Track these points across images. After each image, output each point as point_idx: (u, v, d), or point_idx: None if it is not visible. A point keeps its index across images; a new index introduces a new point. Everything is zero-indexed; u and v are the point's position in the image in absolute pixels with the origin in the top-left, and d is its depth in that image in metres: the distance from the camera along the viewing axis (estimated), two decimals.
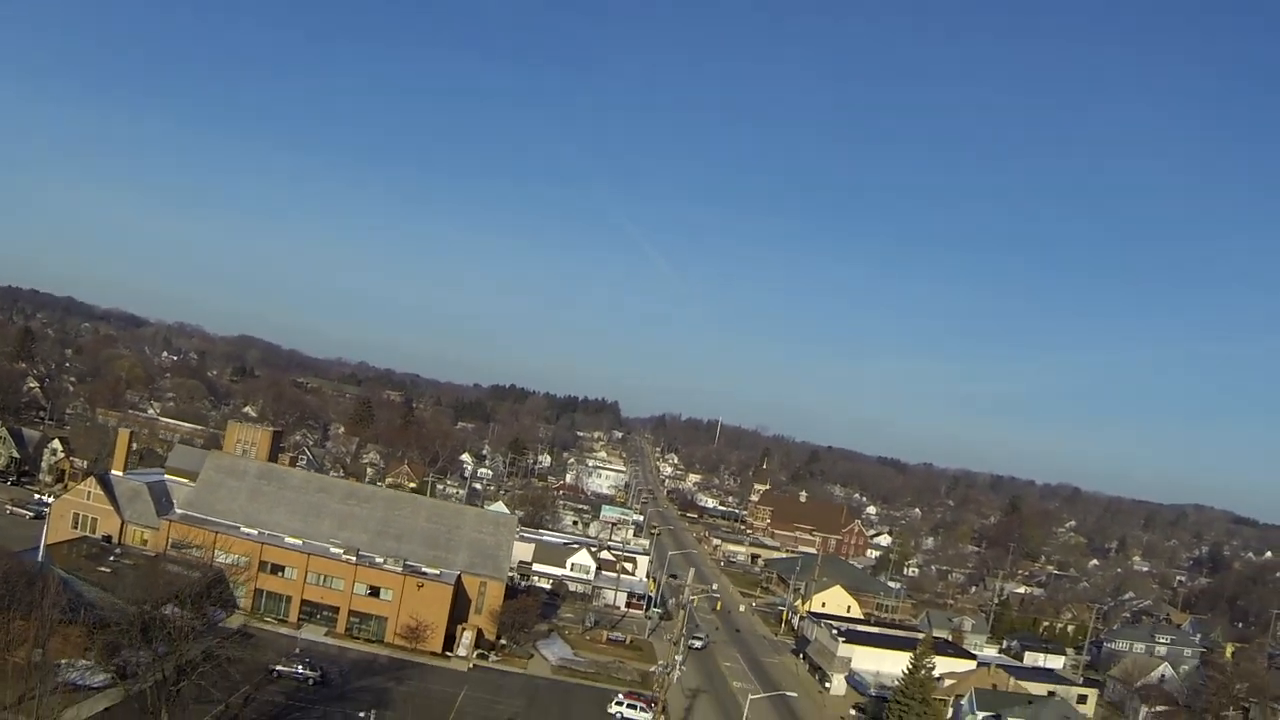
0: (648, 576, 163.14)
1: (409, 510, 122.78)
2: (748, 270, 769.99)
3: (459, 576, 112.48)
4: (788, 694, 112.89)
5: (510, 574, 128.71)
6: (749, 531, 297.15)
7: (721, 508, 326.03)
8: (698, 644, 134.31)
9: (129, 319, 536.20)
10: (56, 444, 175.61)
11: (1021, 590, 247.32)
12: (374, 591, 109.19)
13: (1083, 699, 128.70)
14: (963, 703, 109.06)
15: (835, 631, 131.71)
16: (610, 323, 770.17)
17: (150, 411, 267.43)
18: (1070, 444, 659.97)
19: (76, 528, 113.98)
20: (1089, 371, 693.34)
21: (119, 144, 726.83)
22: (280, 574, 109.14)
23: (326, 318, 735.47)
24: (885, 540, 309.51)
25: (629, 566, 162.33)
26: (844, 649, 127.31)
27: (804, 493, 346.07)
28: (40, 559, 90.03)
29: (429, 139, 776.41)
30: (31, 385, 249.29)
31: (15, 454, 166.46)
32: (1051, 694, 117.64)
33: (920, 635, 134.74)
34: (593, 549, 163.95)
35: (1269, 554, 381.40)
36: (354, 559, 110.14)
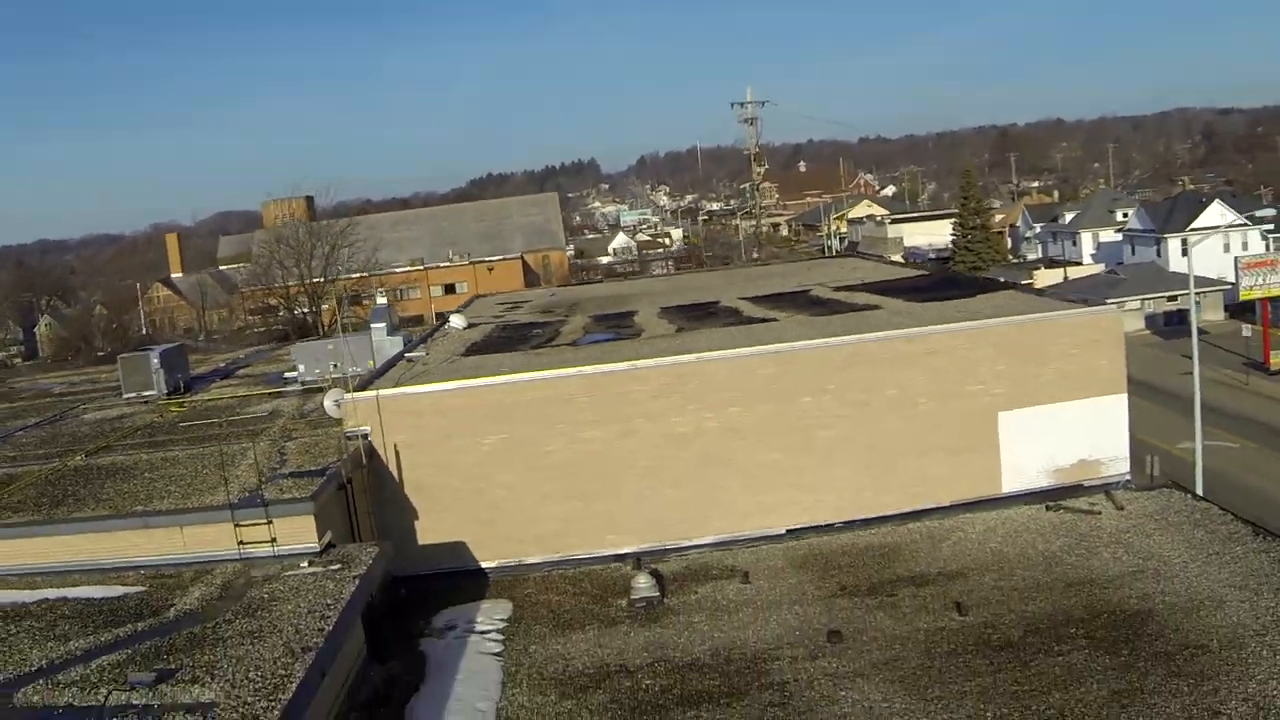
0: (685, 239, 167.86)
1: (455, 217, 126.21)
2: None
3: (521, 255, 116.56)
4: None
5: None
6: (762, 209, 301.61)
7: (727, 207, 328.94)
8: None
9: (106, 240, 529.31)
10: (99, 309, 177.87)
11: (1036, 184, 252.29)
12: (449, 289, 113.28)
13: None
14: (1017, 226, 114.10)
15: (879, 218, 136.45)
16: (568, 88, 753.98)
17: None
18: (1042, 80, 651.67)
19: (158, 329, 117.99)
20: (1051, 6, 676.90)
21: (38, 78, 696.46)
22: (359, 304, 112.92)
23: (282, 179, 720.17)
24: (891, 190, 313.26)
25: (666, 241, 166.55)
26: (893, 229, 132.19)
27: (802, 163, 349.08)
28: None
29: None
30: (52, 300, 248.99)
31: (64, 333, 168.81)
32: None
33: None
34: (628, 230, 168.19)
35: (1260, 128, 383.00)
36: (421, 265, 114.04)
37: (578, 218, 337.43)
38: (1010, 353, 24.90)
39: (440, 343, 32.99)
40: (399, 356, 29.94)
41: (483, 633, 20.74)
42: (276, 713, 12.88)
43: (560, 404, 23.95)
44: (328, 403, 25.28)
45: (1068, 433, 25.02)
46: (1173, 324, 78.43)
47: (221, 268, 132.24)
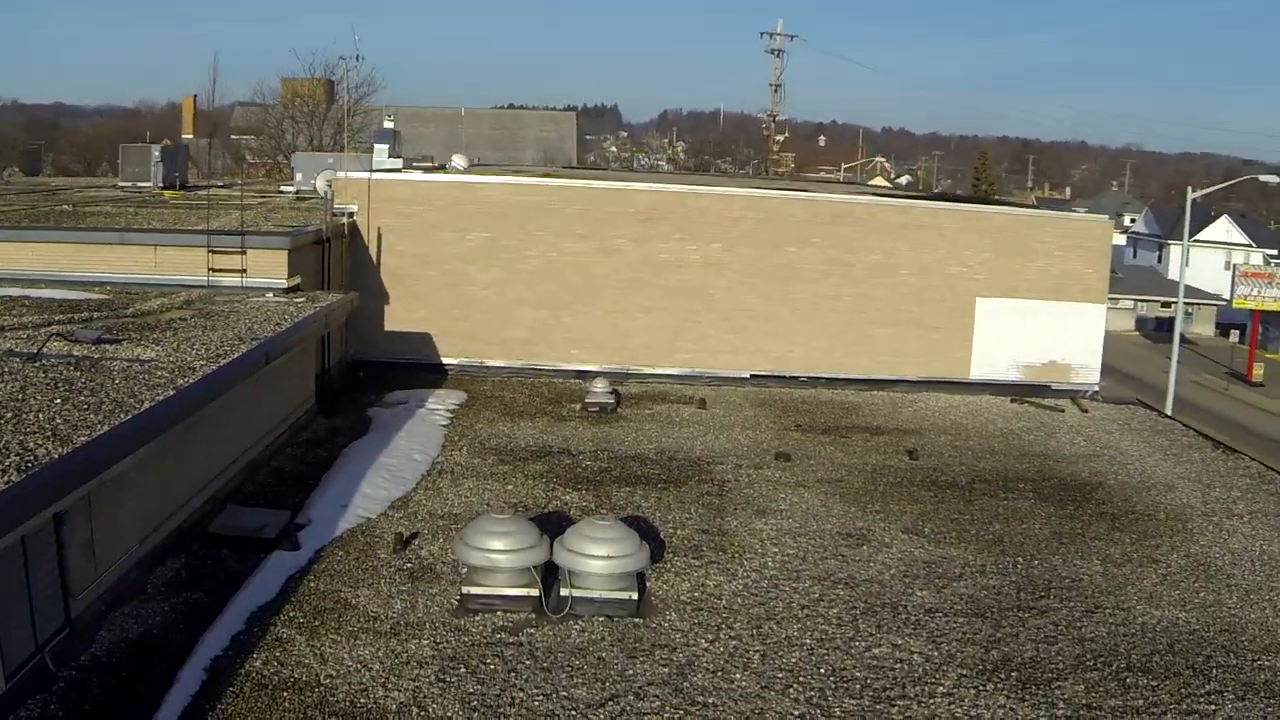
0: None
1: (470, 122, 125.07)
2: None
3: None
4: None
5: None
6: (777, 175, 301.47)
7: (741, 171, 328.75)
8: None
9: (122, 112, 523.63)
10: (105, 164, 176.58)
11: (1053, 195, 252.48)
12: None
13: None
14: None
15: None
16: (597, 30, 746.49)
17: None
18: (1073, 103, 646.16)
19: None
20: (1087, 33, 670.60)
21: None
22: None
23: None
24: (906, 180, 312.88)
25: None
26: None
27: (822, 138, 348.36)
28: None
29: None
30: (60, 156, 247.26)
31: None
32: None
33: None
34: (641, 170, 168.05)
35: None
36: (432, 162, 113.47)
37: (592, 158, 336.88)
38: (996, 241, 24.89)
39: (440, 174, 32.87)
40: (396, 170, 29.81)
41: (432, 410, 20.79)
42: (213, 368, 12.77)
43: (548, 213, 23.86)
44: (319, 183, 25.17)
45: (1043, 332, 25.04)
46: (1162, 329, 78.45)
47: (233, 136, 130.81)
